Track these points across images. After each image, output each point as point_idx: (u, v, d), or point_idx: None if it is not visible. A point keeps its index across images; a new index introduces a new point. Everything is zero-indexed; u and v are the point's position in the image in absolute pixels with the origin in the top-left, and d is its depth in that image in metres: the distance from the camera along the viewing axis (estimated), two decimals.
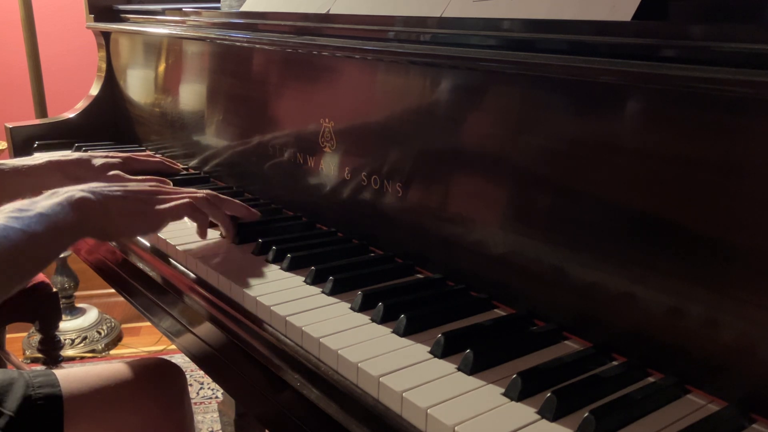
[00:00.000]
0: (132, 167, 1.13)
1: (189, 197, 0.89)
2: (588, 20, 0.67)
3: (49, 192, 0.79)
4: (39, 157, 1.09)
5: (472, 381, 0.60)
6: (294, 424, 0.70)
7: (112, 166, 1.10)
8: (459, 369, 0.62)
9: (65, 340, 2.28)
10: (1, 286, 0.71)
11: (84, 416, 0.92)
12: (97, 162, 1.11)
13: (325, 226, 0.98)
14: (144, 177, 1.08)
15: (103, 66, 1.59)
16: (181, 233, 0.95)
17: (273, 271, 0.83)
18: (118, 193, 0.83)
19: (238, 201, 0.95)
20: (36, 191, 1.25)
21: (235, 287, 0.79)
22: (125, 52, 1.53)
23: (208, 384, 2.16)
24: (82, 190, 0.80)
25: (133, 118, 1.52)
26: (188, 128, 1.31)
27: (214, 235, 0.94)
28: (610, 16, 0.66)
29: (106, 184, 0.84)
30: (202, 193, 0.91)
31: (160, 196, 0.87)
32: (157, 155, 1.25)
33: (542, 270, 0.69)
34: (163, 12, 1.40)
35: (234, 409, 1.48)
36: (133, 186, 0.86)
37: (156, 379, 1.02)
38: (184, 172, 1.28)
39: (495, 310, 0.75)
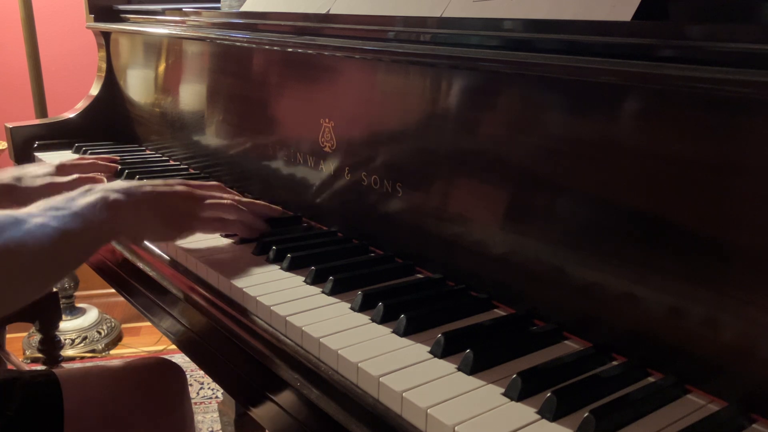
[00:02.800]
0: (66, 172, 1.12)
1: (219, 206, 0.89)
2: (588, 20, 0.67)
3: (83, 189, 0.79)
4: (40, 175, 1.07)
5: (472, 381, 0.60)
6: (294, 424, 0.70)
7: (44, 176, 1.09)
8: (459, 369, 0.62)
9: (65, 340, 2.28)
10: (37, 282, 0.71)
11: (84, 416, 0.92)
12: (28, 173, 1.08)
13: (325, 226, 0.99)
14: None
15: (103, 66, 1.59)
16: None
17: (273, 271, 0.83)
18: (150, 195, 0.83)
19: (259, 201, 0.96)
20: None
21: (235, 287, 0.79)
22: (125, 52, 1.53)
23: (208, 384, 2.16)
24: (117, 191, 0.80)
25: (133, 118, 1.52)
26: (188, 128, 1.31)
27: (215, 235, 0.94)
28: (610, 16, 0.66)
29: (138, 185, 0.84)
30: (226, 198, 0.91)
31: (190, 200, 0.87)
32: (90, 157, 1.23)
33: (542, 270, 0.69)
34: (163, 12, 1.40)
35: (234, 409, 1.48)
36: (163, 188, 0.86)
37: (156, 379, 1.02)
38: (186, 174, 1.28)
39: (495, 310, 0.75)
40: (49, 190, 1.09)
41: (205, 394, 2.12)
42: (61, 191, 1.09)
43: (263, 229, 0.93)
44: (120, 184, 0.83)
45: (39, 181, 1.09)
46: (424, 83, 0.81)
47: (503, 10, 0.76)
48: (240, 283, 0.79)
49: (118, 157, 1.29)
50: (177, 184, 0.88)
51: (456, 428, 0.53)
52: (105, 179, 1.11)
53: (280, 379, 0.70)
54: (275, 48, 1.03)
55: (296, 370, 0.68)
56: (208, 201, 0.88)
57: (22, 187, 1.07)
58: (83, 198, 0.77)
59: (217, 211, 0.89)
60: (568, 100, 0.67)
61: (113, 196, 0.79)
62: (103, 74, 1.59)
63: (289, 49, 1.00)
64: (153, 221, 0.83)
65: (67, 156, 1.45)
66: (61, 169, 1.14)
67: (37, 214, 0.71)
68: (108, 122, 1.57)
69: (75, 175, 1.10)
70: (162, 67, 1.39)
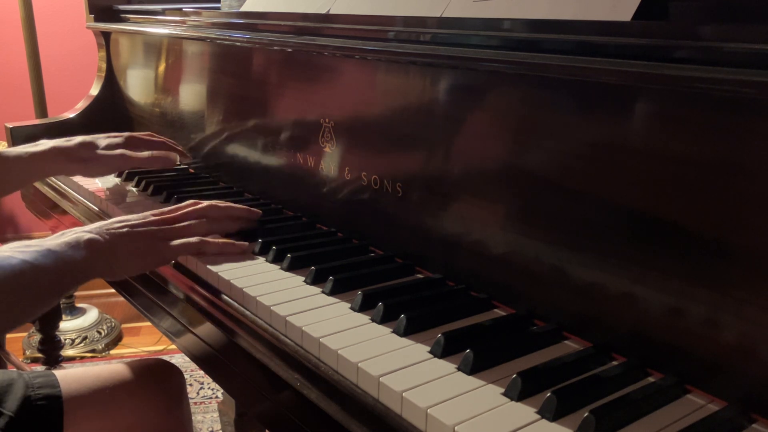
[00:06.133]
0: (135, 146, 1.13)
1: (195, 218, 0.88)
2: (588, 20, 0.67)
3: (59, 233, 0.80)
4: (42, 143, 1.09)
5: (472, 381, 0.60)
6: (294, 424, 0.70)
7: (116, 146, 1.10)
8: (459, 369, 0.62)
9: (65, 340, 2.28)
10: (6, 315, 0.71)
11: (83, 416, 0.92)
12: (101, 143, 1.11)
13: (325, 226, 0.98)
14: (149, 156, 1.09)
15: (103, 66, 1.59)
16: None
17: (273, 271, 0.83)
18: (125, 230, 0.83)
19: (238, 206, 0.96)
20: (41, 177, 1.25)
21: (235, 287, 0.79)
22: (125, 52, 1.53)
23: (208, 384, 2.16)
24: (90, 231, 0.81)
25: (133, 118, 1.52)
26: (188, 128, 1.31)
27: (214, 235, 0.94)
28: (610, 16, 0.66)
29: (110, 222, 0.84)
30: (202, 204, 0.91)
31: (165, 228, 0.86)
32: (161, 136, 1.24)
33: (542, 270, 0.69)
34: (163, 12, 1.40)
35: (234, 409, 1.48)
36: (136, 220, 0.86)
37: (154, 380, 1.02)
38: (185, 173, 1.28)
39: (495, 310, 0.75)
40: (122, 161, 1.09)
41: (205, 394, 2.12)
42: (134, 166, 1.09)
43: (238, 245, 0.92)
44: (94, 224, 0.83)
45: (111, 151, 1.09)
46: (424, 83, 0.81)
47: (503, 10, 0.76)
48: (240, 282, 0.79)
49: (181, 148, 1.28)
50: (150, 216, 0.88)
51: (456, 428, 0.53)
52: (178, 159, 1.11)
53: (280, 379, 0.70)
54: (275, 48, 1.03)
55: (296, 370, 0.68)
56: (184, 227, 0.88)
57: (94, 154, 1.08)
58: (57, 239, 0.78)
59: (195, 232, 0.88)
60: (568, 100, 0.67)
61: (88, 236, 0.79)
62: (103, 74, 1.59)
63: (289, 49, 1.00)
64: (127, 259, 0.83)
65: None
66: (131, 141, 1.14)
67: (5, 249, 0.72)
68: (108, 122, 1.57)
69: (148, 153, 1.10)
70: (162, 67, 1.39)
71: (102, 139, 1.12)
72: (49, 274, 0.74)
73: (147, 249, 0.84)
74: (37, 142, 1.11)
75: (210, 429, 1.95)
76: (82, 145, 1.09)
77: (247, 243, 0.90)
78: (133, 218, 0.87)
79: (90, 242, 0.79)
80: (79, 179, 1.23)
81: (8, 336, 1.86)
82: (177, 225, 0.88)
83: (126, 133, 1.17)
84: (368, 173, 0.89)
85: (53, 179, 1.30)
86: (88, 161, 1.08)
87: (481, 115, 0.76)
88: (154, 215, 0.88)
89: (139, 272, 0.93)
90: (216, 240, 0.90)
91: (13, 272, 0.70)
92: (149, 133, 1.24)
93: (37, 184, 1.35)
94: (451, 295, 0.77)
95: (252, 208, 0.97)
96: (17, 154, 1.05)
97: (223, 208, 0.93)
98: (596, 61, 0.62)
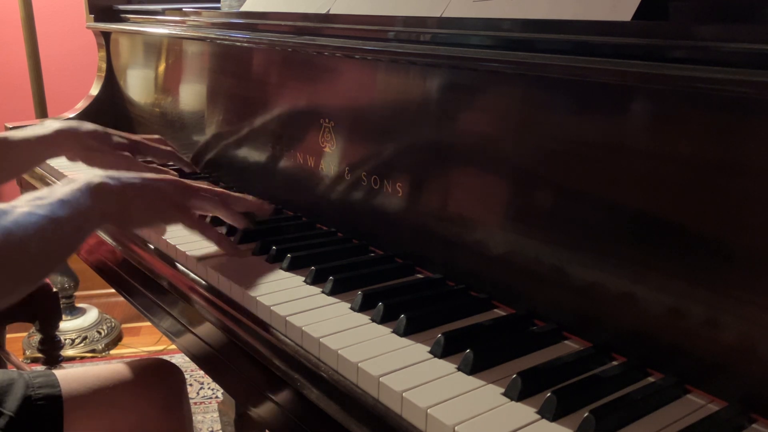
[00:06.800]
0: (141, 153, 1.12)
1: (206, 201, 0.88)
2: (588, 20, 0.67)
3: (66, 179, 0.78)
4: (49, 125, 1.06)
5: (472, 381, 0.60)
6: (294, 424, 0.70)
7: (124, 147, 1.09)
8: (459, 369, 0.62)
9: (65, 340, 2.28)
10: (29, 273, 0.70)
11: (83, 416, 0.92)
12: (113, 139, 1.09)
13: (325, 226, 0.98)
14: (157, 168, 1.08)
15: (103, 66, 1.59)
16: (182, 233, 0.95)
17: (273, 271, 0.83)
18: (136, 181, 0.82)
19: (250, 197, 0.93)
20: (45, 160, 1.23)
21: (236, 287, 0.79)
22: (125, 52, 1.53)
23: (208, 384, 2.16)
24: (101, 176, 0.79)
25: (133, 118, 1.52)
26: (188, 128, 1.31)
27: None
28: (610, 16, 0.66)
29: (123, 172, 0.82)
30: (215, 191, 0.90)
31: (177, 189, 0.85)
32: (169, 144, 1.23)
33: (542, 270, 0.69)
34: (163, 12, 1.40)
35: (234, 409, 1.48)
36: (150, 175, 0.84)
37: (155, 380, 1.02)
38: (186, 173, 1.28)
39: (495, 310, 0.75)
40: (126, 164, 1.08)
41: (205, 394, 2.12)
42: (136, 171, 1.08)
43: (247, 225, 0.91)
44: (106, 171, 0.81)
45: (120, 151, 1.07)
46: (424, 83, 0.81)
47: (503, 10, 0.76)
48: (240, 283, 0.79)
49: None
50: (166, 174, 0.86)
51: (456, 428, 0.53)
52: (176, 175, 1.11)
53: (280, 380, 0.70)
54: (275, 48, 1.03)
55: (296, 370, 0.68)
56: (196, 194, 0.86)
57: (102, 147, 1.06)
58: (68, 185, 0.76)
59: (204, 205, 0.87)
60: (568, 100, 0.67)
61: (98, 180, 0.77)
62: (103, 74, 1.59)
63: (289, 49, 1.00)
64: (138, 208, 0.81)
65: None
66: (140, 147, 1.12)
67: (21, 204, 0.70)
68: (108, 122, 1.56)
69: (152, 168, 1.09)
70: (162, 67, 1.39)
71: (114, 136, 1.10)
72: (66, 224, 0.72)
73: (155, 203, 0.83)
74: (43, 124, 1.07)
75: (210, 429, 1.95)
76: (93, 134, 1.07)
77: (242, 247, 0.90)
78: (147, 174, 0.85)
79: (100, 186, 0.77)
80: (72, 173, 1.23)
81: (8, 336, 1.86)
82: (191, 192, 0.86)
83: (138, 136, 1.16)
84: (368, 173, 0.89)
85: (49, 174, 1.30)
86: (95, 152, 1.07)
87: (480, 115, 0.76)
88: (164, 171, 0.86)
89: (145, 225, 0.90)
90: (218, 231, 0.89)
91: (36, 229, 0.68)
92: (159, 138, 1.22)
93: (34, 180, 1.35)
94: (451, 295, 0.77)
95: (264, 203, 0.94)
96: (24, 137, 1.02)
97: (238, 200, 0.90)
98: (596, 61, 0.62)
